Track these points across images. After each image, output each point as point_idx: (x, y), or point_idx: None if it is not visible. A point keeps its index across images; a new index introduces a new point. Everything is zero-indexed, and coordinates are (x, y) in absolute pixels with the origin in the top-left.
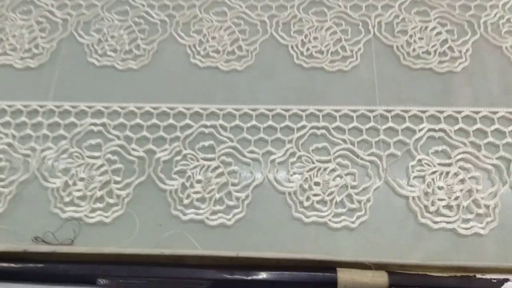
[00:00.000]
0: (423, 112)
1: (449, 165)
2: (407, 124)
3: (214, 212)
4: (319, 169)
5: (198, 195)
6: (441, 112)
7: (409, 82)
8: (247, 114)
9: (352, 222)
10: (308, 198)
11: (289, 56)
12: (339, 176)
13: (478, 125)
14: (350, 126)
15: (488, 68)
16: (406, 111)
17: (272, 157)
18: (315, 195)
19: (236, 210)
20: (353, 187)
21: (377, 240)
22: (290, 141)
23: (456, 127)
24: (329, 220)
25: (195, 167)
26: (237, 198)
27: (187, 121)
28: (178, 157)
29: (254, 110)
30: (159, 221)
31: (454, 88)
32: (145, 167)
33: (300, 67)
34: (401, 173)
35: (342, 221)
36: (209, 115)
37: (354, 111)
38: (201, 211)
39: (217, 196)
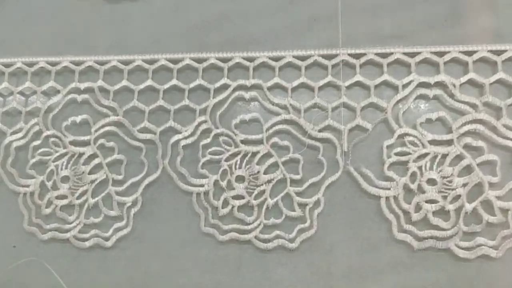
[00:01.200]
0: (412, 55)
1: (448, 143)
2: (385, 76)
3: (86, 227)
4: (245, 155)
5: (64, 202)
6: (441, 54)
7: (391, 6)
8: (140, 69)
9: (291, 240)
10: (225, 203)
11: None
12: (275, 165)
13: (500, 75)
14: (296, 83)
15: None
16: (385, 55)
17: (175, 137)
18: (236, 197)
19: (119, 224)
20: (294, 182)
21: (329, 268)
22: (203, 111)
23: (464, 78)
24: (255, 237)
25: (60, 157)
26: (121, 205)
27: (51, 83)
28: (37, 142)
29: (151, 62)
30: (10, 242)
31: (463, 12)
32: None
33: None
34: (370, 158)
35: (275, 238)
36: (84, 72)
37: (303, 58)
38: (67, 226)
39: (92, 201)
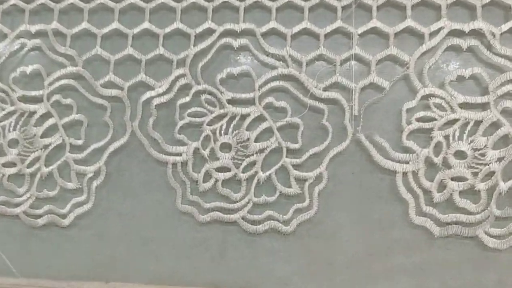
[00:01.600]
0: None
1: (483, 106)
2: (408, 22)
3: (39, 201)
4: (233, 117)
5: (12, 170)
6: None
7: None
8: (104, 8)
9: (286, 222)
10: (207, 176)
11: None
12: (269, 131)
13: None
14: (297, 29)
15: None
16: None
17: (147, 94)
18: (220, 169)
19: (78, 199)
20: (292, 152)
21: (331, 257)
22: (181, 63)
23: (506, 26)
24: (243, 217)
25: (6, 116)
26: (81, 176)
27: None
28: None
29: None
30: None
31: None
32: None
33: None
34: (386, 124)
35: (266, 219)
36: (36, 12)
37: None
38: (17, 200)
39: (45, 171)
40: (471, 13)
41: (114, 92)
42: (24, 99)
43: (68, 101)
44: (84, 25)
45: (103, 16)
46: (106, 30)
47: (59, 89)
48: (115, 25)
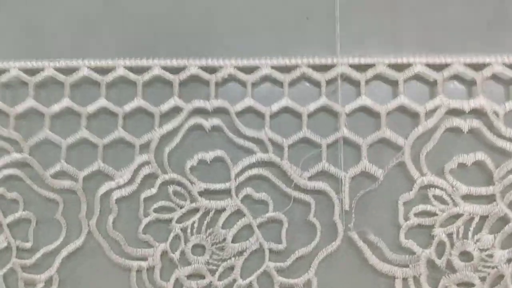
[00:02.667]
0: (439, 67)
1: (489, 198)
2: (401, 99)
3: None
4: (206, 213)
5: None
6: (479, 66)
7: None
8: (53, 81)
9: None
10: (179, 284)
11: None
12: (248, 228)
13: None
14: (276, 107)
15: None
16: (401, 67)
17: (105, 186)
18: (193, 276)
19: None
20: (275, 254)
21: None
22: (144, 148)
23: (510, 104)
24: None
25: None
26: (30, 285)
27: None
28: None
29: (68, 71)
30: None
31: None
32: None
33: None
34: (381, 220)
35: None
36: None
37: (286, 69)
38: None
39: None
40: (469, 89)
41: (66, 184)
42: None
43: (14, 195)
44: (30, 102)
45: (52, 91)
46: (56, 108)
47: (3, 181)
48: (66, 102)
